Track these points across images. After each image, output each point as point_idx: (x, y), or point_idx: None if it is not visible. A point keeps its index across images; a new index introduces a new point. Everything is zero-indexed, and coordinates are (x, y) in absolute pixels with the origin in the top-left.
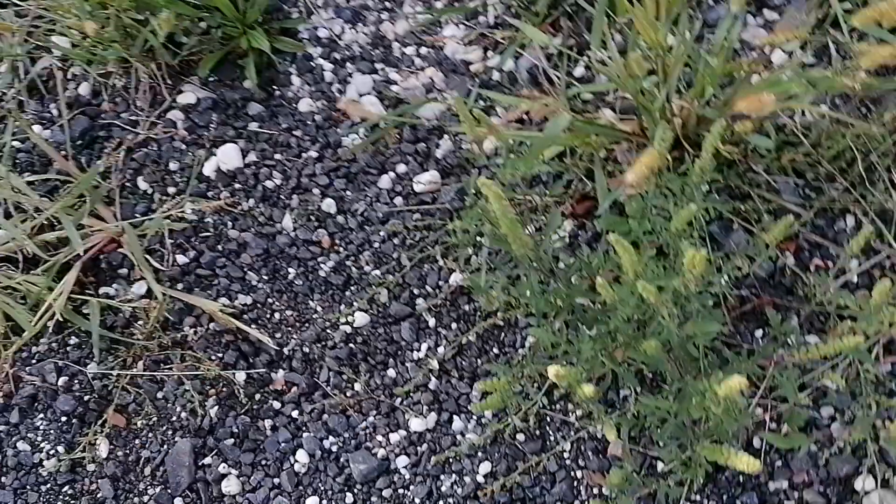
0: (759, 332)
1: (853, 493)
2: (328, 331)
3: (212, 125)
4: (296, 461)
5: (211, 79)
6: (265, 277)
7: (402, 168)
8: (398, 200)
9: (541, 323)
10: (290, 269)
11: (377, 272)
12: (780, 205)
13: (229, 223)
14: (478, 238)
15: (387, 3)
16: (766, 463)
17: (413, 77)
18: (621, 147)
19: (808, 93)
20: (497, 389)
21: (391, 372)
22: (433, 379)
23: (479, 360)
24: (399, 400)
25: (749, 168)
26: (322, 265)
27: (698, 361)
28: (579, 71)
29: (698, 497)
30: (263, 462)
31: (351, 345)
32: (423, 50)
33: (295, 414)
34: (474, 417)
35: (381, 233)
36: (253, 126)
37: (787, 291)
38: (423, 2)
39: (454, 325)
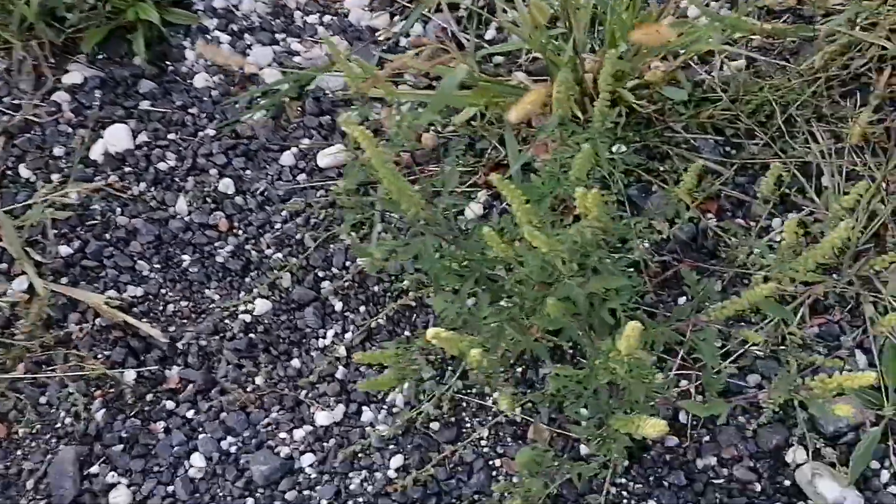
0: (682, 300)
1: (784, 465)
2: (226, 321)
3: (100, 105)
4: (191, 466)
5: (100, 56)
6: (157, 266)
7: (305, 143)
8: (302, 177)
9: (441, 292)
10: (185, 256)
11: (279, 255)
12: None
13: (118, 209)
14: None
15: None
16: (692, 439)
17: (317, 47)
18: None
19: (716, 31)
20: (386, 362)
21: (295, 362)
22: (340, 367)
23: (389, 345)
24: (304, 392)
25: (667, 126)
26: (219, 250)
27: (614, 330)
28: (490, 34)
29: (623, 480)
30: (156, 468)
31: (251, 335)
32: (327, 18)
33: (190, 414)
34: (385, 407)
35: (283, 212)
36: (145, 105)
37: (710, 255)
38: None
39: (362, 309)
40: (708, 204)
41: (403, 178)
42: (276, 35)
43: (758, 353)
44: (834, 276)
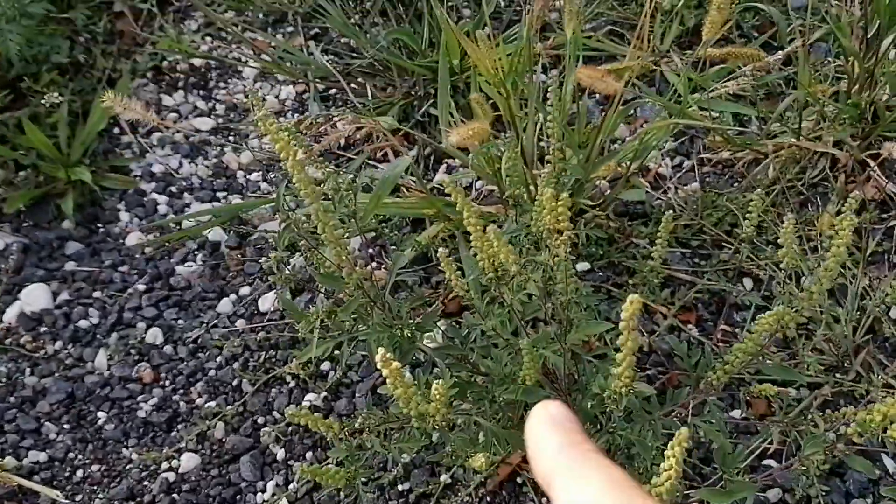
0: None
1: None
2: (145, 482)
3: (18, 269)
4: None
5: (25, 223)
6: (66, 427)
7: (245, 290)
8: (240, 323)
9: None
10: (101, 413)
11: (212, 403)
12: (670, 274)
13: (27, 370)
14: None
15: (230, 138)
16: None
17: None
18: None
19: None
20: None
21: None
22: None
23: (341, 493)
24: None
25: (630, 243)
26: (142, 404)
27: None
28: (439, 177)
29: None
30: None
31: (174, 495)
32: (271, 175)
33: None
34: None
35: (218, 358)
36: (70, 265)
37: (695, 364)
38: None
39: (309, 455)
40: (685, 314)
41: (335, 229)
42: (217, 193)
43: (773, 463)
44: (837, 375)
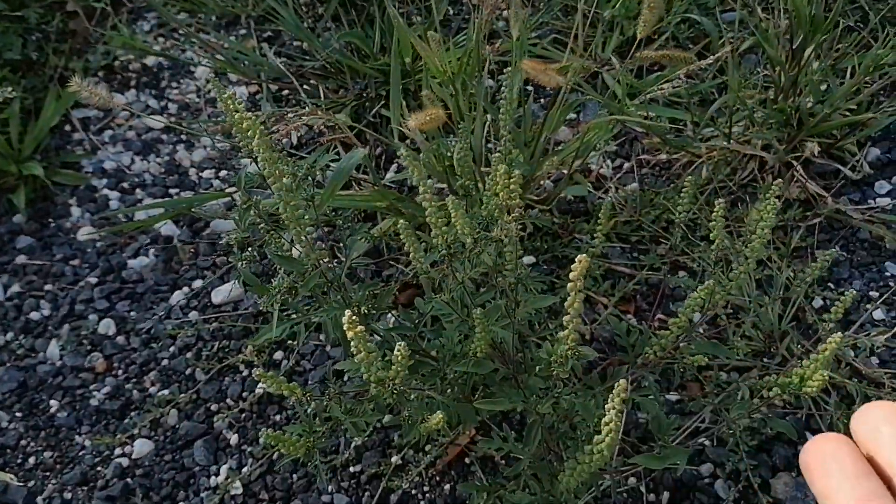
0: None
1: None
2: (98, 468)
3: None
4: None
5: None
6: (18, 415)
7: (198, 283)
8: (193, 314)
9: (349, 354)
10: (53, 402)
11: (165, 392)
12: (610, 268)
13: None
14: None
15: (182, 136)
16: None
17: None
18: None
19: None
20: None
21: None
22: None
23: (294, 475)
24: None
25: (573, 238)
26: (94, 392)
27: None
28: (389, 175)
29: None
30: None
31: (127, 479)
32: (224, 173)
33: None
34: None
35: (171, 348)
36: (21, 259)
37: (633, 344)
38: (222, 134)
39: (262, 440)
40: (625, 305)
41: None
42: (170, 190)
43: (706, 442)
44: (764, 359)
